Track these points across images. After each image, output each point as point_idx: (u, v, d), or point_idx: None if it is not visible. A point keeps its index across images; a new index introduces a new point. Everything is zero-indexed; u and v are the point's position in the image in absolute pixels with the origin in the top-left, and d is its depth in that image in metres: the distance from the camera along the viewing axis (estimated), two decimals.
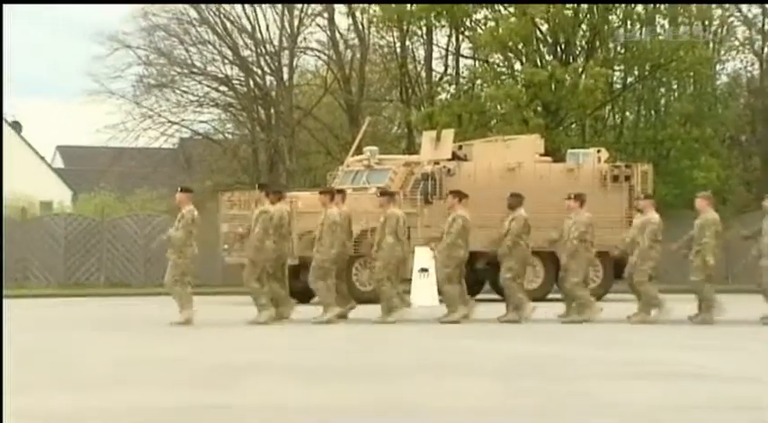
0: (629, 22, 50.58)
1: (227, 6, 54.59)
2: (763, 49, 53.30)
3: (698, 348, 18.56)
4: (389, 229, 23.97)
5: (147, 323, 23.61)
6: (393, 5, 50.04)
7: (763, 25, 53.11)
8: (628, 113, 51.61)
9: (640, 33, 50.86)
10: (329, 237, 23.84)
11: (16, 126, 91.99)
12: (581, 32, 49.17)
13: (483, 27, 49.40)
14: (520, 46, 48.40)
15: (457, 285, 24.06)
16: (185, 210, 23.93)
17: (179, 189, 25.18)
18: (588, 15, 48.96)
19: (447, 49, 52.88)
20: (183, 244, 23.59)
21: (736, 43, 53.65)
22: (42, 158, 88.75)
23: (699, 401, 11.88)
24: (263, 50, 55.47)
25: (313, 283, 24.09)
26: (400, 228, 24.02)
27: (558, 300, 27.30)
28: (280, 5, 54.47)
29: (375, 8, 50.91)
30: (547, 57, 48.73)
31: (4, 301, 27.09)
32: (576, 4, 48.42)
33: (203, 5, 54.46)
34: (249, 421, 10.73)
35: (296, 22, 54.85)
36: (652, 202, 24.40)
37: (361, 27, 53.56)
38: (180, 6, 54.61)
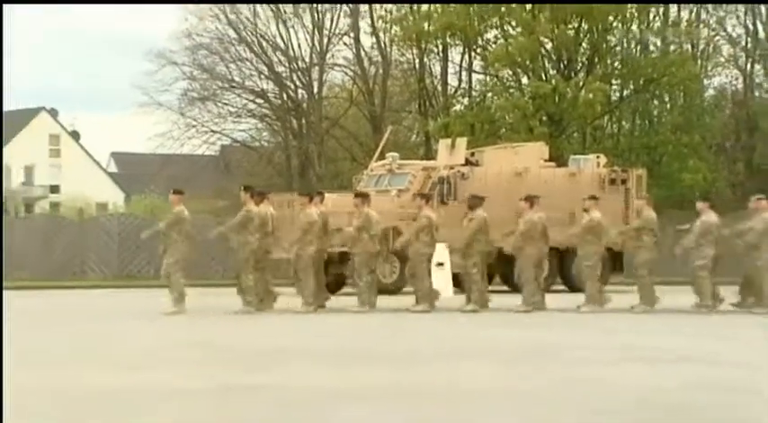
0: (625, 41, 50.69)
1: (262, 26, 55.06)
2: (746, 65, 53.28)
3: (689, 335, 18.48)
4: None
5: (188, 312, 23.41)
6: (412, 26, 50.13)
7: (746, 43, 53.16)
8: (624, 123, 51.63)
9: (635, 51, 50.91)
10: (308, 235, 23.71)
11: (75, 135, 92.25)
12: (582, 50, 49.23)
13: (493, 45, 49.51)
14: (527, 62, 48.40)
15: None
16: (176, 210, 23.92)
17: (171, 191, 25.30)
18: (588, 35, 49.07)
19: (461, 66, 53.02)
20: (174, 241, 23.44)
21: (722, 60, 53.73)
22: (98, 164, 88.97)
23: (687, 383, 11.80)
24: (296, 66, 55.66)
25: (296, 275, 24.04)
26: (432, 228, 23.87)
27: (559, 291, 27.21)
28: (311, 26, 54.67)
29: (396, 28, 51.21)
30: (551, 72, 48.74)
31: (63, 291, 26.91)
32: (577, 25, 48.40)
33: (241, 26, 54.65)
34: (280, 401, 10.57)
35: (325, 41, 55.14)
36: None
37: (383, 45, 53.76)
38: (221, 27, 54.92)
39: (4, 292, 23.85)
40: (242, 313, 22.99)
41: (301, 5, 54.41)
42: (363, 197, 24.69)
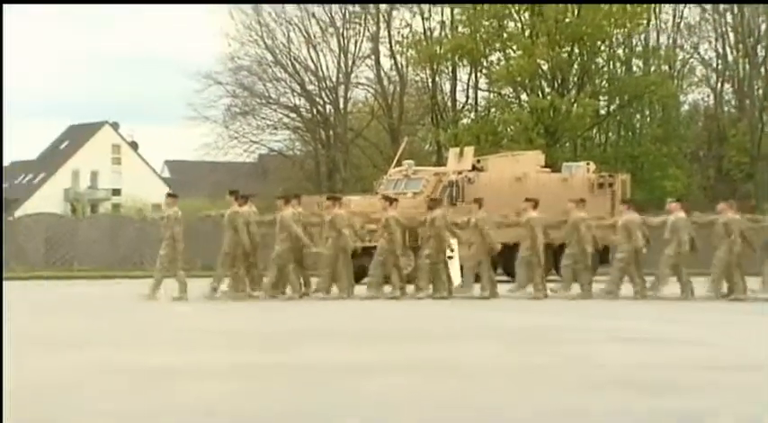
0: (611, 63, 50.76)
1: (295, 50, 55.43)
2: (716, 84, 53.25)
3: (672, 321, 18.38)
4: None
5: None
6: (425, 49, 50.29)
7: (717, 65, 53.14)
8: (610, 134, 51.70)
9: (620, 72, 50.93)
10: (282, 233, 23.48)
11: (133, 145, 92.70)
12: (573, 70, 49.36)
13: (497, 66, 49.53)
14: (526, 81, 48.53)
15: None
16: (171, 211, 23.91)
17: (166, 194, 25.45)
18: (579, 57, 49.13)
19: (468, 84, 53.09)
20: (169, 237, 23.37)
21: (695, 79, 53.80)
22: (153, 170, 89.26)
23: (668, 361, 11.74)
24: (324, 85, 55.83)
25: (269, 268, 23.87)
26: (448, 224, 23.76)
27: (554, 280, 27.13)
28: (337, 49, 54.83)
29: (412, 51, 51.49)
30: (547, 89, 48.91)
31: (124, 281, 26.85)
32: (570, 49, 48.42)
33: (277, 50, 54.86)
34: (302, 377, 10.50)
35: (349, 63, 55.28)
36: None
37: (400, 67, 53.91)
38: (259, 51, 55.20)
39: (72, 280, 23.79)
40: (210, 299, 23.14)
41: (329, 30, 54.63)
42: (391, 200, 24.63)
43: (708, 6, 52.13)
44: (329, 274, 23.72)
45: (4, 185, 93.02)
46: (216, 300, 23.18)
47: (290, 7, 54.69)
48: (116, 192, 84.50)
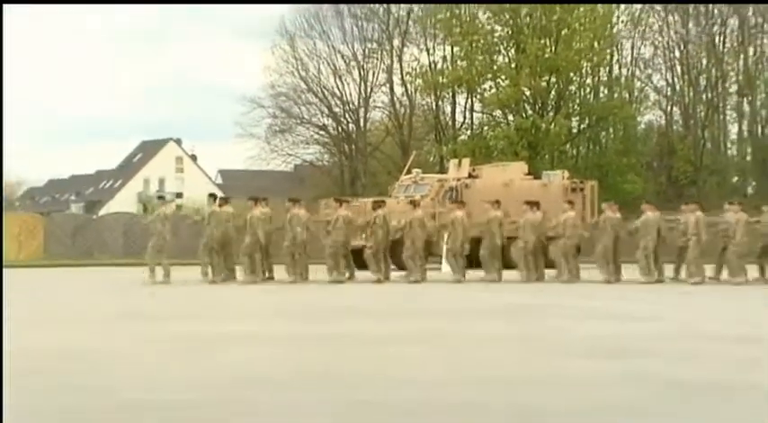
0: (582, 90, 50.77)
1: (324, 80, 55.71)
2: (666, 107, 53.20)
3: (637, 300, 18.29)
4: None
5: (275, 284, 23.34)
6: (430, 79, 50.31)
7: (667, 92, 53.12)
8: (581, 148, 51.64)
9: (590, 97, 50.91)
10: (251, 229, 23.40)
11: (193, 157, 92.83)
12: (551, 96, 49.25)
13: (488, 92, 49.51)
14: (512, 105, 48.48)
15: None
16: (164, 208, 24.27)
17: (157, 196, 25.60)
18: (556, 85, 49.13)
19: (465, 107, 53.20)
20: (159, 231, 23.30)
21: (650, 103, 53.71)
22: (209, 177, 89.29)
23: (631, 333, 11.73)
24: (347, 108, 56.04)
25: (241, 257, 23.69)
26: (465, 224, 23.67)
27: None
28: (358, 79, 55.36)
29: (419, 80, 51.52)
30: (529, 112, 48.75)
31: (183, 267, 26.71)
32: (548, 78, 48.42)
33: (309, 80, 55.14)
34: (338, 345, 10.52)
35: (368, 90, 55.42)
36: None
37: (409, 93, 53.89)
38: (294, 80, 55.63)
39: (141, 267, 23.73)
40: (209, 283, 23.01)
41: (352, 63, 54.76)
42: (415, 204, 24.58)
43: (659, 44, 52.16)
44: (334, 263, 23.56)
45: (88, 190, 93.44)
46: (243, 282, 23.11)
47: (320, 44, 55.02)
48: (179, 195, 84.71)
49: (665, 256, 23.99)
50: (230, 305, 17.03)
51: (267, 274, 23.99)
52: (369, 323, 13.11)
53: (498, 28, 49.85)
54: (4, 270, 23.09)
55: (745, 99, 51.48)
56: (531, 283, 22.99)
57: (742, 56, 51.05)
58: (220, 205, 24.05)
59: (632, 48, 52.41)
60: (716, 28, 51.27)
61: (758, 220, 23.77)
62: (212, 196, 25.21)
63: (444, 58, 51.62)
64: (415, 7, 53.03)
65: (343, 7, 54.37)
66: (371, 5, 54.01)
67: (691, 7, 51.08)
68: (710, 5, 50.96)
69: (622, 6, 51.67)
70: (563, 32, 48.51)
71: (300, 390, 7.55)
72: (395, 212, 25.35)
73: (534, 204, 24.15)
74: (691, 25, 51.46)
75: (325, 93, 55.95)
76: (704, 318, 14.44)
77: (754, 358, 9.58)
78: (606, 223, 23.75)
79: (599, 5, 50.19)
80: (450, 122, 52.95)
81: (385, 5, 53.81)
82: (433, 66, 51.78)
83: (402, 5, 53.60)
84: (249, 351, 10.09)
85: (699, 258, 23.08)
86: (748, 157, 51.49)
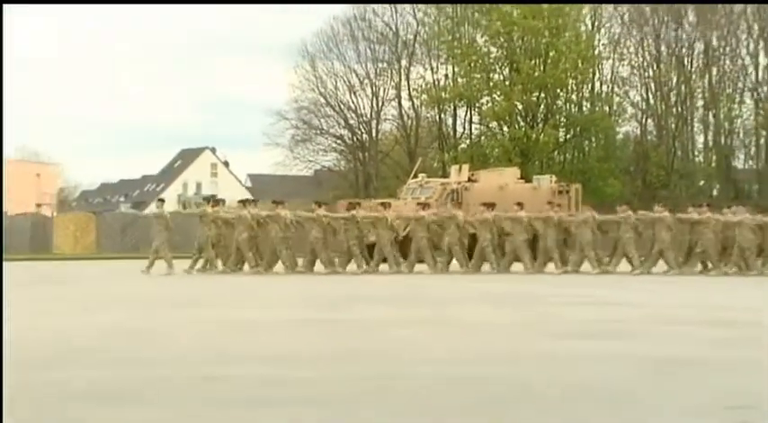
0: (568, 104, 50.79)
1: (341, 95, 55.76)
2: (641, 119, 53.10)
3: (619, 289, 18.18)
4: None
5: (296, 276, 23.34)
6: (434, 94, 50.34)
7: (642, 106, 53.01)
8: (567, 155, 51.50)
9: (574, 110, 50.93)
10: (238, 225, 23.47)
11: (226, 164, 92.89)
12: (540, 109, 49.27)
13: (485, 106, 49.52)
14: (506, 117, 48.55)
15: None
16: (158, 210, 24.39)
17: (157, 199, 25.78)
18: (545, 100, 49.16)
19: (464, 119, 53.07)
20: (159, 230, 23.45)
21: (627, 116, 53.57)
22: (239, 181, 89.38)
23: (613, 318, 11.70)
24: (361, 120, 56.04)
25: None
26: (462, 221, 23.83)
27: None
28: (371, 94, 55.31)
29: (424, 96, 51.59)
30: (521, 123, 48.74)
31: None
32: (538, 94, 48.41)
33: (328, 95, 55.08)
34: (351, 329, 10.50)
35: (379, 104, 55.41)
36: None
37: (416, 106, 53.89)
38: (315, 95, 55.81)
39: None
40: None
41: (365, 81, 54.82)
42: (425, 205, 24.68)
43: (635, 64, 52.03)
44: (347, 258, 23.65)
45: (134, 193, 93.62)
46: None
47: (337, 64, 55.06)
48: (214, 196, 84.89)
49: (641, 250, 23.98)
50: (255, 293, 16.99)
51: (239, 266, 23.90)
52: (381, 309, 13.09)
53: (494, 50, 49.90)
54: (61, 262, 23.07)
55: (710, 113, 51.40)
56: (530, 274, 23.02)
57: (707, 75, 51.00)
58: (213, 205, 24.43)
59: (611, 67, 52.43)
60: (684, 50, 51.24)
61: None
62: (242, 201, 25.18)
63: (446, 76, 51.65)
64: (421, 31, 53.10)
65: (358, 32, 54.49)
66: (382, 31, 54.01)
67: (663, 31, 51.03)
68: (679, 31, 50.89)
69: (602, 30, 51.83)
70: (551, 54, 48.61)
71: (324, 366, 7.57)
72: (402, 212, 25.30)
73: (520, 205, 24.35)
74: (662, 48, 51.41)
75: (342, 107, 56.01)
76: (679, 304, 14.42)
77: (725, 338, 9.60)
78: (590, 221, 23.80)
79: (582, 30, 50.23)
80: (451, 133, 52.93)
81: (394, 30, 53.79)
82: (436, 83, 51.80)
83: (410, 30, 53.62)
84: (274, 333, 10.13)
85: (672, 252, 23.10)
86: (713, 164, 51.42)
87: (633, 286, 18.82)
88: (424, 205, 24.99)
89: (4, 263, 23.97)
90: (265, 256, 23.75)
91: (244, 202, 25.31)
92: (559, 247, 23.90)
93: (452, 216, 24.04)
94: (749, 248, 23.05)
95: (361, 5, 53.85)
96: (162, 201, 25.10)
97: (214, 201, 25.13)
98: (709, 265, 23.44)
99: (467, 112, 51.95)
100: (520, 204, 24.52)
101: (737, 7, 49.80)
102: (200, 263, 23.73)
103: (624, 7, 51.38)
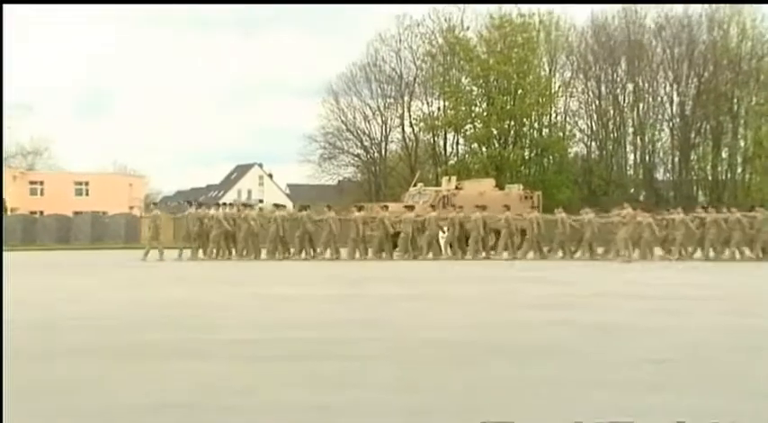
0: (532, 130, 50.51)
1: (358, 123, 54.78)
2: (588, 142, 52.67)
3: (573, 272, 18.23)
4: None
5: (321, 264, 23.26)
6: (429, 122, 50.12)
7: (587, 132, 52.61)
8: (531, 169, 51.02)
9: (538, 135, 50.63)
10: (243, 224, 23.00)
11: (270, 176, 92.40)
12: (511, 134, 48.88)
13: (469, 132, 49.26)
14: (486, 140, 48.22)
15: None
16: (154, 213, 23.95)
17: (151, 203, 25.30)
18: (514, 127, 48.88)
19: (453, 142, 52.52)
20: (156, 226, 23.28)
21: (576, 140, 52.89)
22: (281, 189, 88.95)
23: (564, 293, 11.66)
24: (373, 143, 55.49)
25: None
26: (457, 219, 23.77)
27: None
28: (381, 121, 54.50)
29: (422, 123, 51.24)
30: (496, 145, 48.42)
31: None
32: (509, 122, 48.20)
33: (348, 122, 54.65)
34: (369, 302, 10.54)
35: (387, 130, 54.96)
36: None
37: (415, 131, 53.35)
38: (338, 123, 54.96)
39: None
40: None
41: (376, 112, 54.37)
42: (410, 208, 24.66)
43: (582, 100, 51.57)
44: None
45: (201, 198, 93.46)
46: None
47: (355, 99, 54.44)
48: (260, 201, 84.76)
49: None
50: (288, 275, 16.84)
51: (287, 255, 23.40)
52: (385, 287, 13.05)
53: (475, 88, 49.58)
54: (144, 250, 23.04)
55: (638, 137, 51.23)
56: (506, 261, 22.51)
57: (635, 109, 50.88)
58: (197, 208, 23.94)
59: (564, 102, 52.11)
60: (618, 90, 51.14)
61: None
62: (276, 205, 25.02)
63: (439, 108, 51.25)
64: (419, 74, 52.54)
65: (371, 74, 54.09)
66: (390, 74, 53.63)
67: (602, 76, 50.92)
68: (614, 75, 50.79)
69: (557, 74, 51.46)
70: (519, 92, 48.37)
71: (344, 331, 7.71)
72: (400, 214, 25.21)
73: (482, 207, 24.34)
74: (602, 88, 51.30)
75: (358, 132, 55.63)
76: (618, 282, 14.23)
77: (650, 309, 9.68)
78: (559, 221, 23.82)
79: (542, 74, 50.09)
80: (442, 152, 52.53)
81: (398, 73, 53.46)
82: (431, 114, 51.47)
83: (411, 73, 53.19)
84: (305, 305, 10.21)
85: (625, 242, 22.62)
86: (640, 176, 51.27)
87: (582, 270, 18.71)
88: (410, 208, 24.95)
89: (104, 251, 23.96)
90: (294, 247, 23.45)
91: (276, 206, 25.37)
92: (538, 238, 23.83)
93: (445, 217, 24.06)
94: (649, 240, 22.78)
95: (373, 55, 53.61)
96: (155, 204, 25.04)
97: (197, 204, 24.88)
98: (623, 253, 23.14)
99: (454, 136, 51.60)
100: (507, 206, 24.60)
101: (658, 57, 49.86)
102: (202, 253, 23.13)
103: (573, 56, 51.15)
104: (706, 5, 48.65)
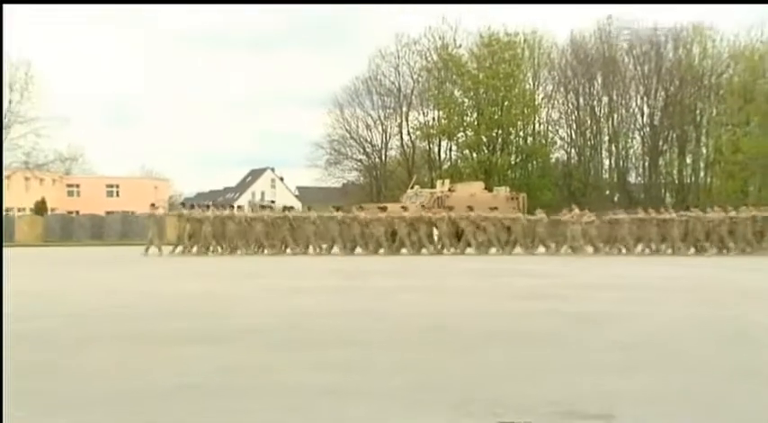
0: (517, 138, 50.51)
1: (360, 131, 54.75)
2: (568, 149, 52.68)
3: (556, 266, 18.20)
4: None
5: (331, 257, 23.26)
6: (425, 130, 50.07)
7: (567, 140, 52.60)
8: (516, 173, 51.02)
9: (523, 143, 50.63)
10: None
11: (281, 179, 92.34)
12: (499, 142, 48.94)
13: (461, 139, 49.29)
14: (476, 147, 48.26)
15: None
16: (157, 211, 23.89)
17: (150, 204, 25.47)
18: (501, 135, 48.90)
19: (446, 148, 52.64)
20: (153, 223, 23.21)
21: (557, 146, 52.94)
22: (291, 191, 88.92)
23: (549, 284, 11.61)
24: (374, 149, 55.53)
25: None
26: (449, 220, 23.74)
27: None
28: (381, 130, 54.42)
29: (418, 132, 51.23)
30: (485, 151, 48.48)
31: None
32: (497, 131, 48.16)
33: (351, 131, 54.57)
34: (369, 293, 10.49)
35: (387, 138, 54.98)
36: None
37: (412, 139, 53.41)
38: (342, 131, 54.93)
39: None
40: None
41: (377, 121, 54.29)
42: (405, 208, 24.63)
43: (562, 111, 51.60)
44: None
45: (219, 199, 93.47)
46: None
47: (358, 110, 54.46)
48: (272, 202, 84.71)
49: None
50: (293, 268, 16.71)
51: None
52: (386, 279, 13.03)
53: (466, 100, 49.61)
54: (168, 247, 23.03)
55: (612, 145, 51.30)
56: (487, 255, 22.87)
57: (610, 119, 50.94)
58: (188, 208, 23.87)
59: (546, 113, 52.17)
60: (595, 102, 51.18)
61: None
62: (285, 207, 25.03)
63: (433, 118, 51.32)
64: (416, 87, 52.45)
65: (372, 87, 54.09)
66: (389, 87, 53.62)
67: (580, 88, 50.89)
68: (591, 89, 50.79)
69: (540, 88, 51.45)
70: (505, 103, 48.39)
71: (345, 319, 7.70)
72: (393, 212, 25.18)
73: (470, 208, 24.33)
74: (581, 100, 51.32)
75: (361, 140, 55.65)
76: (592, 275, 14.32)
77: (623, 298, 9.70)
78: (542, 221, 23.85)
79: (527, 88, 50.06)
80: (437, 157, 52.62)
81: (397, 86, 53.42)
82: (426, 123, 51.60)
83: (408, 86, 53.14)
84: (309, 296, 10.21)
85: (575, 238, 22.89)
86: (615, 179, 51.32)
87: (562, 264, 18.85)
88: (405, 208, 25.02)
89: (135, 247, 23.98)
90: (301, 242, 23.47)
91: (286, 208, 25.40)
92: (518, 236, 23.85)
93: (442, 216, 24.05)
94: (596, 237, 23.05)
95: (374, 69, 53.55)
96: (154, 205, 25.06)
97: (190, 205, 24.78)
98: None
99: (447, 143, 51.66)
100: (494, 208, 24.67)
101: (629, 73, 49.97)
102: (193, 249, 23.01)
103: (555, 71, 51.16)
104: (671, 26, 48.85)
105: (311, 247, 23.38)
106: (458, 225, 24.15)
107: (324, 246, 23.38)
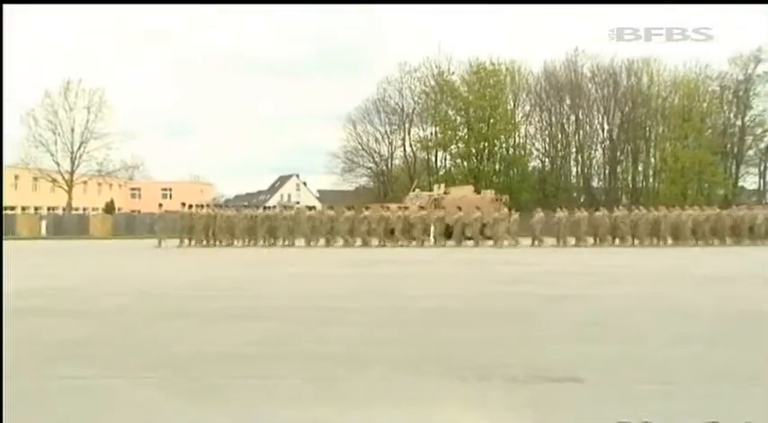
0: (501, 150, 50.13)
1: (370, 144, 54.23)
2: (543, 159, 52.14)
3: (538, 256, 18.11)
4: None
5: (342, 249, 23.03)
6: (424, 143, 49.71)
7: (542, 151, 52.07)
8: (500, 179, 50.46)
9: (507, 154, 50.24)
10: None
11: (305, 184, 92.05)
12: (485, 153, 48.57)
13: (454, 151, 48.98)
14: (467, 157, 47.92)
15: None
16: (161, 211, 23.90)
17: (158, 205, 24.80)
18: (488, 147, 48.58)
19: (442, 158, 52.03)
20: (163, 218, 23.13)
21: (534, 156, 52.27)
22: (313, 194, 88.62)
23: (529, 272, 11.50)
24: (382, 159, 54.74)
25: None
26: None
27: None
28: (387, 143, 53.94)
29: (418, 144, 50.83)
30: (474, 161, 48.20)
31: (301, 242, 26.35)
32: (484, 144, 47.85)
33: (362, 143, 54.15)
34: (373, 279, 10.34)
35: (392, 149, 54.58)
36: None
37: (413, 150, 52.97)
38: (354, 143, 54.34)
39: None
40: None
41: (384, 135, 53.75)
42: (404, 208, 24.49)
43: (538, 126, 51.01)
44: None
45: (253, 201, 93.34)
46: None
47: (368, 125, 53.72)
48: (297, 202, 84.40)
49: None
50: (308, 258, 16.51)
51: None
52: (388, 267, 12.96)
53: (458, 118, 49.44)
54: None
55: (579, 155, 51.08)
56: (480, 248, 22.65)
57: (577, 134, 50.70)
58: (189, 207, 22.62)
59: (525, 128, 51.82)
60: (564, 120, 51.00)
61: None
62: (182, 205, 23.94)
63: (431, 133, 50.89)
64: (417, 107, 52.10)
65: (380, 107, 53.69)
66: (394, 107, 53.09)
67: (552, 109, 50.63)
68: (561, 108, 50.50)
69: (519, 107, 51.09)
70: (491, 120, 48.25)
71: (354, 301, 7.68)
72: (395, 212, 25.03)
73: (459, 208, 24.27)
74: (553, 118, 51.08)
75: (371, 151, 55.29)
76: (567, 263, 14.14)
77: (592, 282, 9.64)
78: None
79: (509, 107, 49.82)
80: (434, 165, 52.26)
81: (401, 106, 53.01)
82: (425, 137, 51.24)
83: (410, 106, 52.74)
84: (323, 281, 10.19)
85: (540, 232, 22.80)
86: (581, 184, 51.08)
87: (541, 254, 18.73)
88: (404, 208, 24.98)
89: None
90: (314, 236, 23.24)
91: (309, 207, 25.33)
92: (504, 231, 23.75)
93: (438, 216, 23.99)
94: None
95: (382, 93, 53.14)
96: (161, 205, 24.71)
97: (195, 206, 23.75)
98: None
99: (443, 153, 51.27)
100: (478, 208, 24.54)
101: (592, 96, 49.87)
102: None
103: (531, 94, 50.58)
104: (625, 59, 48.86)
105: (322, 240, 23.15)
106: (448, 224, 24.10)
107: (332, 239, 23.10)
